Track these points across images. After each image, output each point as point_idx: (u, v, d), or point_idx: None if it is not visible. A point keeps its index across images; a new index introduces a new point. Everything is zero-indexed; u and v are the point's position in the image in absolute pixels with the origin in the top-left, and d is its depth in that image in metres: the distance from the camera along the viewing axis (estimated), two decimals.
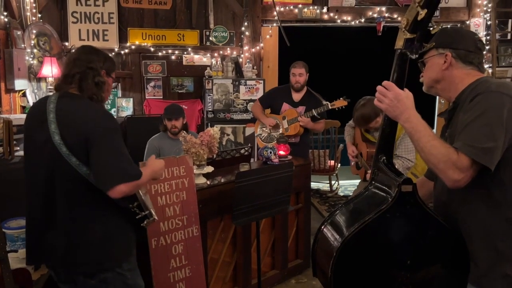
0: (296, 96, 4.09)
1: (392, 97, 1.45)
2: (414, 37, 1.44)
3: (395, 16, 5.74)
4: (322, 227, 1.60)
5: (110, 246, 1.80)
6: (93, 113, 1.74)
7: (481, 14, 5.81)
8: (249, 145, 3.74)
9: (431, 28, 1.49)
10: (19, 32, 4.75)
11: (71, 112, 1.74)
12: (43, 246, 1.80)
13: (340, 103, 3.83)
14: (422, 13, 1.38)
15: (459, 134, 1.40)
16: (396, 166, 2.96)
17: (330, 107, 3.86)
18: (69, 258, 1.76)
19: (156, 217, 1.86)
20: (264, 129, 4.23)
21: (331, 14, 5.72)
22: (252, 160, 3.47)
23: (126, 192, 1.68)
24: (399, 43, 1.47)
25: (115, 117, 2.21)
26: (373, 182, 1.59)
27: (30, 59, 4.93)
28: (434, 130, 6.26)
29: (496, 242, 1.41)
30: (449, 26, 6.01)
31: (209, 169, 2.81)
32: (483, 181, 1.40)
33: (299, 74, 4.00)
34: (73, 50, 1.98)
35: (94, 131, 1.69)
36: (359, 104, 3.10)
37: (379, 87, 1.48)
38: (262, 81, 5.38)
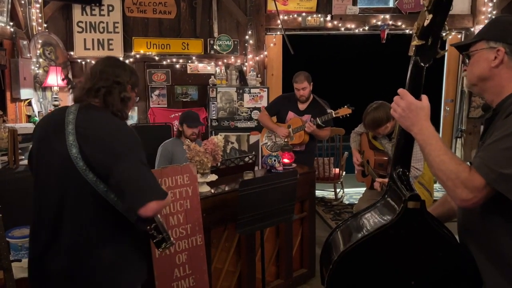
0: (302, 105, 4.08)
1: (404, 106, 1.33)
2: (424, 44, 1.31)
3: (399, 23, 5.74)
4: (329, 237, 1.55)
5: (117, 273, 1.64)
6: (119, 129, 1.63)
7: (486, 21, 5.78)
8: (253, 153, 3.72)
9: (443, 35, 1.34)
10: (25, 42, 4.80)
11: (94, 126, 1.60)
12: (44, 270, 1.63)
13: (344, 111, 3.81)
14: (428, 18, 1.27)
15: (481, 150, 1.25)
16: None
17: (334, 116, 3.85)
18: (70, 285, 1.62)
19: (173, 241, 1.75)
20: (270, 137, 4.22)
21: (335, 22, 5.73)
22: (256, 168, 3.45)
23: (157, 210, 1.55)
24: (411, 50, 1.35)
25: None
26: (385, 195, 1.50)
27: (36, 68, 4.97)
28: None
29: None
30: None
31: (213, 177, 2.80)
32: (507, 207, 1.23)
33: (302, 88, 3.97)
34: (97, 61, 1.79)
35: (122, 148, 1.57)
36: (371, 107, 3.03)
37: (395, 96, 1.37)
38: (266, 89, 5.38)
